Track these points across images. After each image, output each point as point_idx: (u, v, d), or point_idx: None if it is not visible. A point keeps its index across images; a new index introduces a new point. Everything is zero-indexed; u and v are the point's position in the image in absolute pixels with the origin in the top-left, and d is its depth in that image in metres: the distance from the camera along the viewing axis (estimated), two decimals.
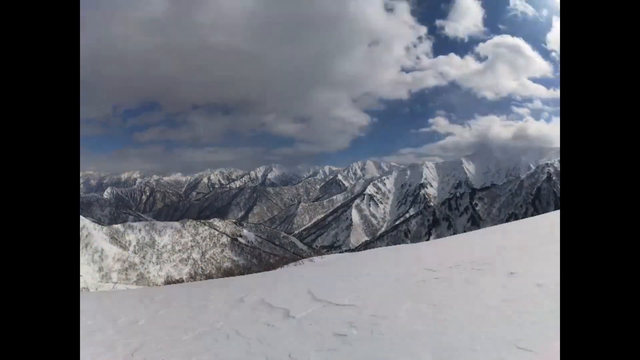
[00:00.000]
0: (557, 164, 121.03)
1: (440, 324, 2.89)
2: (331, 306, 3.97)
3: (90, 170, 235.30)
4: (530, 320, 2.61)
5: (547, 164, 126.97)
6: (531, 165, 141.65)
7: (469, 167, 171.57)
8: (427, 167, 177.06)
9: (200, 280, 13.29)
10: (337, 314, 3.64)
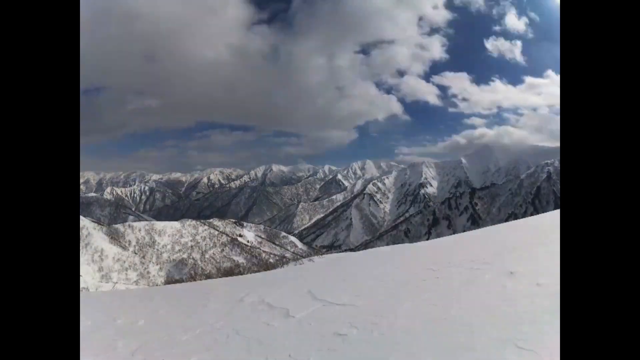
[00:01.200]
0: (557, 164, 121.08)
1: (440, 324, 2.89)
2: (331, 306, 3.97)
3: (91, 170, 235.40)
4: (530, 320, 2.61)
5: (546, 164, 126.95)
6: (530, 164, 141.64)
7: (469, 167, 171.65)
8: (427, 167, 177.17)
9: (200, 280, 13.27)
10: (337, 314, 3.64)
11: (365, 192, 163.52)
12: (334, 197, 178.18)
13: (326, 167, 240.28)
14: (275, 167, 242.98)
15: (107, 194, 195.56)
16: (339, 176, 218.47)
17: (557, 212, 9.39)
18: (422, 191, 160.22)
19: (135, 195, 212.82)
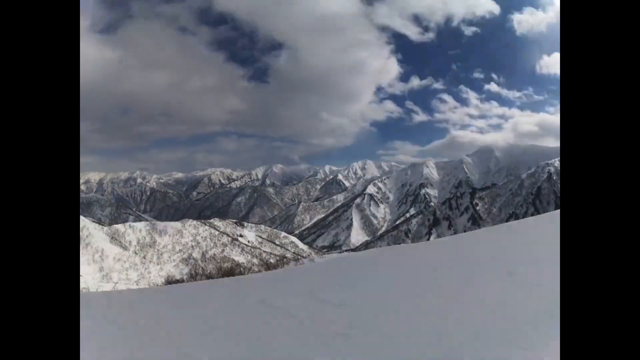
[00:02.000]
0: (558, 164, 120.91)
1: (440, 324, 2.89)
2: (331, 306, 3.97)
3: (91, 170, 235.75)
4: (530, 320, 2.61)
5: (547, 164, 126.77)
6: (531, 165, 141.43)
7: (470, 167, 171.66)
8: (428, 167, 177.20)
9: (201, 280, 13.27)
10: (337, 314, 3.64)
11: (365, 192, 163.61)
12: (334, 197, 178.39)
13: (327, 167, 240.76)
14: (275, 168, 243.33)
15: (108, 194, 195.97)
16: (340, 176, 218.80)
17: (558, 212, 9.38)
18: (423, 191, 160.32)
19: (136, 195, 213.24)
